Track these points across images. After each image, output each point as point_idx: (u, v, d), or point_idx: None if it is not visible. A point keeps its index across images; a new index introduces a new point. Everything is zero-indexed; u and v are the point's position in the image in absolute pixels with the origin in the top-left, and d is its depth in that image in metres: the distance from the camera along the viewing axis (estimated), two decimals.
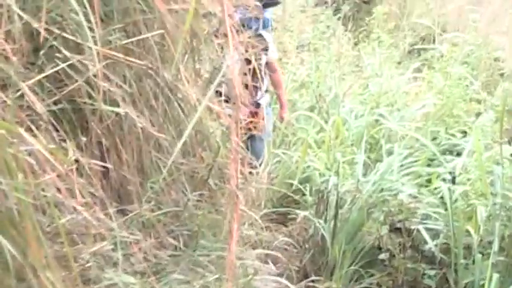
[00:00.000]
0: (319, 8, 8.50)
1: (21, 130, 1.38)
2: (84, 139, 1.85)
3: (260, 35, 4.63)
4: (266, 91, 4.77)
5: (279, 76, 5.05)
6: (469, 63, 6.13)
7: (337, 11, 8.63)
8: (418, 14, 9.11)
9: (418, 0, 9.46)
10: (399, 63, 7.29)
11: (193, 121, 1.63)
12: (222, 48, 2.51)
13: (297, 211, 4.12)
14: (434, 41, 7.78)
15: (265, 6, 4.58)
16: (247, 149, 4.11)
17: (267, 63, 4.74)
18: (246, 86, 3.65)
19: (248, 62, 3.31)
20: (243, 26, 3.00)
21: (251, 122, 4.07)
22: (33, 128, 1.54)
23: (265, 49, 4.66)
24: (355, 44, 8.10)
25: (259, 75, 4.22)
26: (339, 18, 8.13)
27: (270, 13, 4.90)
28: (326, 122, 5.03)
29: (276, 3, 5.00)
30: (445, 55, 6.03)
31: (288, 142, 4.98)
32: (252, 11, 3.09)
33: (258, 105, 4.55)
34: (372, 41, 7.09)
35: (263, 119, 4.60)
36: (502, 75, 6.34)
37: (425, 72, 6.17)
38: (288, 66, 6.12)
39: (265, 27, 4.77)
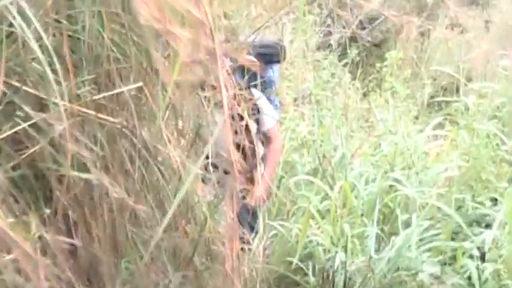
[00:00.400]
0: (322, 53, 8.59)
1: None
2: (48, 211, 1.87)
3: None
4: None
5: (274, 149, 4.72)
6: (499, 118, 6.17)
7: (343, 55, 8.72)
8: (439, 60, 9.22)
9: (439, 43, 9.57)
10: (417, 118, 7.35)
11: (179, 195, 1.64)
12: (208, 102, 2.55)
13: None
14: (458, 91, 7.85)
15: (268, 62, 4.48)
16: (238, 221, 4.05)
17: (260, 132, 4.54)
18: (238, 147, 3.64)
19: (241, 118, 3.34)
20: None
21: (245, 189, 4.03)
22: None
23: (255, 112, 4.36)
24: (365, 95, 8.18)
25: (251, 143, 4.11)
26: (345, 65, 8.23)
27: (276, 71, 4.81)
28: (331, 188, 5.04)
29: (278, 59, 4.66)
30: (471, 108, 6.08)
31: (286, 212, 4.99)
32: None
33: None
34: (384, 91, 7.17)
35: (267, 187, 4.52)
36: None
37: (448, 129, 6.21)
38: (286, 122, 6.16)
39: (265, 88, 4.56)
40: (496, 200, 5.10)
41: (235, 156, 1.82)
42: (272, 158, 4.67)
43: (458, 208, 5.04)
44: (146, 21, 0.95)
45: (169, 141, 2.24)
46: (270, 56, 4.46)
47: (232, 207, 1.69)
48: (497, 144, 5.52)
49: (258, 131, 4.52)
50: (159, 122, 2.25)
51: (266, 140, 4.60)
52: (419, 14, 9.22)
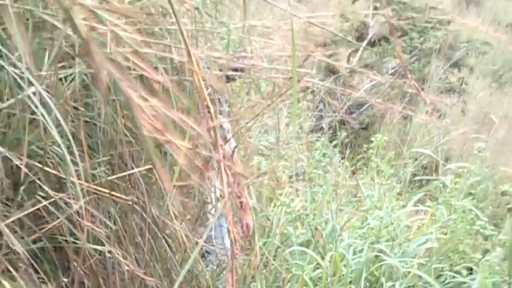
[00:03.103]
0: (315, 135, 8.64)
1: None
2: (66, 280, 1.87)
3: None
4: None
5: None
6: (474, 195, 6.19)
7: (333, 137, 8.76)
8: (420, 142, 9.27)
9: (420, 127, 9.63)
10: (400, 194, 7.36)
11: (186, 267, 1.65)
12: (210, 181, 2.57)
13: None
14: (437, 170, 7.88)
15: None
16: None
17: None
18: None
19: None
20: None
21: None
22: (11, 269, 1.56)
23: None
24: (353, 172, 8.20)
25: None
26: (335, 146, 8.26)
27: None
28: (323, 257, 5.03)
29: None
30: (449, 186, 6.10)
31: (282, 279, 4.95)
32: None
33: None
34: (370, 170, 7.19)
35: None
36: (509, 209, 6.39)
37: (428, 205, 6.21)
38: (281, 197, 6.16)
39: None
40: (471, 269, 5.08)
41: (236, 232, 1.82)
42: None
43: (438, 277, 5.02)
44: (148, 132, 0.96)
45: (176, 217, 2.25)
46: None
47: (232, 278, 1.68)
48: (472, 219, 5.51)
49: None
50: (167, 199, 2.26)
51: None
52: (401, 100, 9.28)
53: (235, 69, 2.62)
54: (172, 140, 0.98)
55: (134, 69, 1.02)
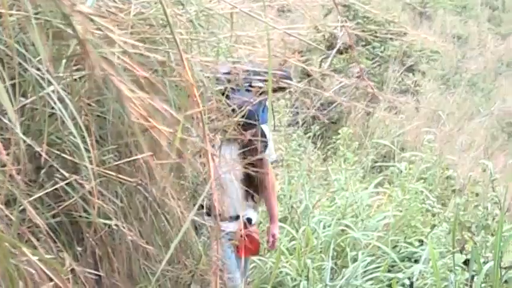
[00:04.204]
0: (292, 128, 8.64)
1: (22, 244, 1.40)
2: (79, 249, 1.87)
3: (262, 131, 3.57)
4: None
5: (272, 180, 3.96)
6: (425, 179, 6.23)
7: (307, 130, 8.76)
8: (379, 135, 9.30)
9: (379, 122, 9.67)
10: (363, 178, 7.39)
11: (180, 234, 1.66)
12: (204, 165, 2.56)
13: None
14: (394, 158, 7.90)
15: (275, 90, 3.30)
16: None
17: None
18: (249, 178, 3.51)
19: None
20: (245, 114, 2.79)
21: (248, 249, 3.72)
22: (33, 240, 1.56)
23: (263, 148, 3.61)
24: (324, 160, 8.20)
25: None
26: (309, 137, 8.26)
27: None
28: (297, 231, 5.05)
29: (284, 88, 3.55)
30: (404, 172, 6.13)
31: (263, 249, 4.97)
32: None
33: (249, 221, 3.79)
34: (338, 158, 7.20)
35: (258, 242, 3.91)
36: (453, 191, 6.43)
37: (386, 187, 6.25)
38: None
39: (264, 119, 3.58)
40: (422, 241, 5.12)
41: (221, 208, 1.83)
42: (274, 191, 4.03)
43: (394, 247, 5.05)
44: (135, 118, 0.97)
45: (173, 196, 2.25)
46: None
47: (217, 247, 1.69)
48: (423, 199, 5.55)
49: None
50: (166, 182, 2.26)
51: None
52: (365, 99, 9.29)
53: (226, 73, 2.62)
54: (155, 125, 0.99)
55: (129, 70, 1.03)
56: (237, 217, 3.70)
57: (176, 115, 1.04)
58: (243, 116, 2.66)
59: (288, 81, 2.96)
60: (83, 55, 1.00)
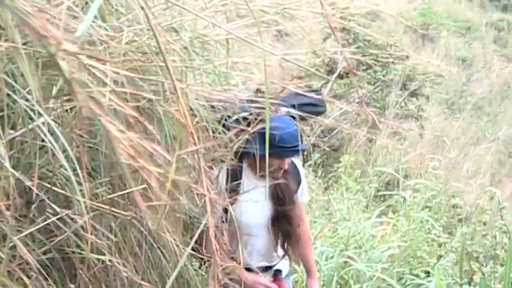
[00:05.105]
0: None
1: (12, 282, 1.40)
2: (72, 286, 1.86)
3: (295, 167, 3.17)
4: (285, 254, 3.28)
5: (306, 228, 3.45)
6: (430, 207, 6.22)
7: (307, 158, 8.76)
8: (382, 162, 9.30)
9: (382, 148, 9.67)
10: (366, 207, 7.37)
11: (177, 269, 1.65)
12: (200, 198, 2.56)
13: None
14: (398, 186, 7.90)
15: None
16: None
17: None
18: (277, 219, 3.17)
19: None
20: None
21: None
22: (24, 277, 1.56)
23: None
24: (325, 189, 8.19)
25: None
26: (309, 165, 8.26)
27: None
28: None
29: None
30: (408, 200, 6.12)
31: None
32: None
33: (276, 273, 3.25)
34: (340, 186, 7.19)
35: None
36: (460, 219, 6.43)
37: (390, 216, 6.24)
38: None
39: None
40: (428, 272, 5.10)
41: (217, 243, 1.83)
42: (310, 241, 3.62)
43: (399, 279, 5.03)
44: (124, 159, 0.98)
45: (168, 230, 2.25)
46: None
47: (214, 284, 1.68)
48: (428, 229, 5.54)
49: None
50: (161, 215, 2.26)
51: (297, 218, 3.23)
52: (366, 125, 9.31)
53: (220, 101, 2.62)
54: (145, 165, 1.00)
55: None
56: (266, 268, 3.26)
57: (167, 156, 1.05)
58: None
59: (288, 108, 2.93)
60: (71, 95, 1.01)
